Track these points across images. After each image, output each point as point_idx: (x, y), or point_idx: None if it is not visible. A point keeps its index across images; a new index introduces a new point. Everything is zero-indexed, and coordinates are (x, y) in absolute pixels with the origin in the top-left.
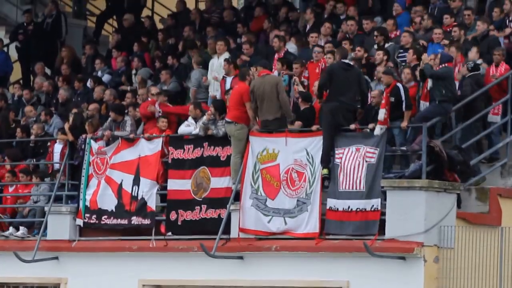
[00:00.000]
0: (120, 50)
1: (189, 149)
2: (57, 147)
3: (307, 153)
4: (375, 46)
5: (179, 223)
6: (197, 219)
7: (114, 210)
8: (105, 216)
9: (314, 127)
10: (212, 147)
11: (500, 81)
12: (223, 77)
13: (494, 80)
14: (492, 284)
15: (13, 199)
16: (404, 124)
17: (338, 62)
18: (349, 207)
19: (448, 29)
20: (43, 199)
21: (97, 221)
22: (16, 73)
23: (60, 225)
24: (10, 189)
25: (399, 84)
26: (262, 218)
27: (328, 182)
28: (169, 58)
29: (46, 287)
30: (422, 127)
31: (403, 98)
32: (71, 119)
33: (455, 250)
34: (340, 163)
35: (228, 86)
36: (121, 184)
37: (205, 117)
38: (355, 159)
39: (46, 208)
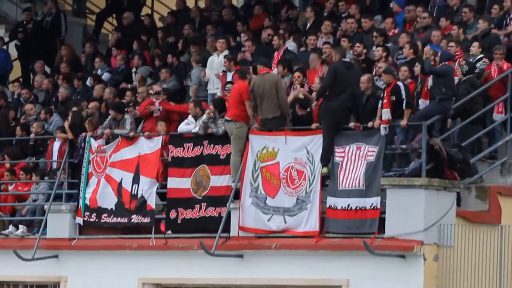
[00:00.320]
0: (119, 48)
1: (189, 147)
2: (56, 145)
3: (307, 152)
4: (374, 47)
5: (179, 221)
6: (197, 217)
7: (114, 208)
8: (105, 215)
9: (313, 125)
10: (212, 145)
11: (502, 79)
12: (223, 71)
13: (494, 79)
14: (492, 282)
15: (12, 197)
16: (403, 122)
17: (339, 61)
18: (348, 205)
19: (446, 32)
20: (42, 198)
21: (96, 220)
22: (16, 72)
23: (60, 223)
24: (10, 188)
25: (399, 83)
26: (262, 217)
27: (328, 181)
28: (169, 56)
29: (46, 286)
30: (421, 126)
31: (404, 96)
32: (70, 117)
33: (455, 248)
34: (341, 161)
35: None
36: (120, 182)
37: (204, 116)
38: (356, 158)
39: (46, 207)
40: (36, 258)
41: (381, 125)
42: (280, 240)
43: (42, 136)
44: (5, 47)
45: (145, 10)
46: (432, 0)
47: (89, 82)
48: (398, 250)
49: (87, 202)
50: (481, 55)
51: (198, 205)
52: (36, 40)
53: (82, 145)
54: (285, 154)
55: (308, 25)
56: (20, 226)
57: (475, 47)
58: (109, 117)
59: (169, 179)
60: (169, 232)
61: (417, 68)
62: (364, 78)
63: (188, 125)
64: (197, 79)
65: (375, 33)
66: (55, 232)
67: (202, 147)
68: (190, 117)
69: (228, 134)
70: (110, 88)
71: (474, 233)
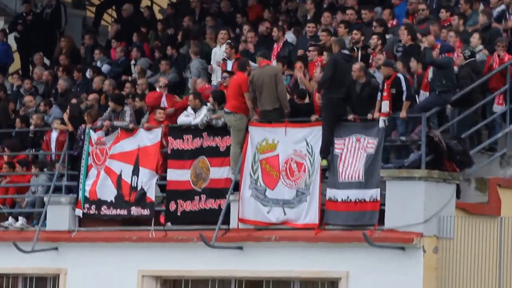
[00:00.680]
0: (119, 40)
1: (188, 139)
2: (53, 136)
3: (307, 144)
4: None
5: (179, 213)
6: (197, 209)
7: (113, 200)
8: (105, 207)
9: (313, 118)
10: (212, 137)
11: (502, 71)
12: (223, 59)
13: (495, 70)
14: (492, 274)
15: (12, 189)
16: (402, 114)
17: (339, 53)
18: (348, 197)
19: (446, 24)
20: (42, 190)
21: (96, 212)
22: (15, 63)
23: (59, 215)
24: (4, 182)
25: (399, 75)
26: (262, 209)
27: (328, 173)
28: (169, 48)
29: (46, 278)
30: (421, 117)
31: (404, 88)
32: (68, 109)
33: (454, 240)
34: (341, 153)
35: (228, 69)
36: (120, 174)
37: (204, 111)
38: (356, 150)
39: (45, 199)
40: (36, 250)
41: (381, 118)
42: (279, 232)
43: (42, 128)
44: (5, 39)
45: (145, 2)
46: None
47: (88, 74)
48: (397, 242)
49: (87, 194)
50: (481, 47)
51: (198, 197)
52: (35, 32)
53: (82, 137)
54: (284, 146)
55: (309, 17)
56: (20, 218)
57: (475, 39)
58: (109, 109)
59: (168, 171)
60: (169, 224)
61: (413, 64)
62: (355, 66)
63: (188, 117)
64: (197, 71)
65: (375, 23)
66: (54, 224)
67: (201, 139)
68: (189, 109)
69: (228, 126)
70: (110, 80)
71: (474, 225)
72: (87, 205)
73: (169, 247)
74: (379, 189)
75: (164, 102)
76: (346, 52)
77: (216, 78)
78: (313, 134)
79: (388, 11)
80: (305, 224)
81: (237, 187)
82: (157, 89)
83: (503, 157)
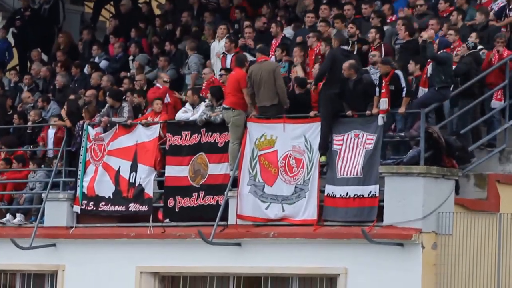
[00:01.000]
0: (117, 36)
1: (186, 135)
2: (51, 133)
3: (305, 139)
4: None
5: (177, 209)
6: (195, 205)
7: (111, 196)
8: (103, 203)
9: (311, 113)
10: (210, 133)
11: (501, 66)
12: (223, 53)
13: (494, 65)
14: (491, 270)
15: (10, 186)
16: (401, 110)
17: (338, 48)
18: (347, 193)
19: (444, 15)
20: (40, 186)
21: (94, 208)
22: (13, 59)
23: (57, 212)
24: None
25: (398, 72)
26: (260, 205)
27: (326, 169)
28: (167, 44)
29: (44, 274)
30: (420, 113)
31: (403, 85)
32: (66, 106)
33: (453, 236)
34: (339, 149)
35: (228, 64)
36: (118, 170)
37: (202, 107)
38: (354, 146)
39: (43, 195)
40: (34, 247)
41: (379, 115)
42: (278, 228)
43: (40, 124)
44: (7, 36)
45: None
46: None
47: (86, 70)
48: (396, 238)
49: (85, 190)
50: (481, 46)
51: (196, 193)
52: (33, 28)
53: (80, 133)
54: (283, 142)
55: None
56: (18, 215)
57: (472, 38)
58: (107, 105)
59: (167, 167)
60: (167, 220)
61: (412, 66)
62: (345, 65)
63: (186, 113)
64: (195, 66)
65: (372, 15)
66: (52, 221)
67: (200, 135)
68: (187, 105)
69: (226, 122)
70: (108, 76)
71: (473, 221)
72: (85, 202)
73: (167, 244)
74: (377, 185)
75: (167, 98)
76: (346, 47)
77: (216, 70)
78: (312, 130)
79: (387, 6)
80: (303, 220)
81: (235, 183)
82: (159, 85)
83: (502, 153)
